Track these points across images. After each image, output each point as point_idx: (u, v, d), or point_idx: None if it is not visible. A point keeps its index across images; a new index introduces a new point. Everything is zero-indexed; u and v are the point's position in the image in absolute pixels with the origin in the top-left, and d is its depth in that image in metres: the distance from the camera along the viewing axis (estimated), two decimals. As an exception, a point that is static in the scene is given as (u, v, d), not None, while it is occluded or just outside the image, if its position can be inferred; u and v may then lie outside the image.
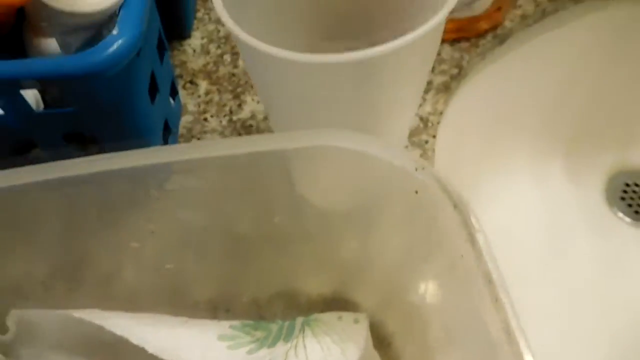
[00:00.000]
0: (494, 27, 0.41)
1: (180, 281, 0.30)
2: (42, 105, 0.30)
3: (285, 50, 0.22)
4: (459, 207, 0.20)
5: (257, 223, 0.27)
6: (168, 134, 0.36)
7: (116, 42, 0.25)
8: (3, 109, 0.28)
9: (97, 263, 0.28)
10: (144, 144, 0.32)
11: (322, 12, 0.32)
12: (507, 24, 0.42)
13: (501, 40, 0.42)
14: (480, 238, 0.19)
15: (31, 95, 0.30)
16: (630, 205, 0.52)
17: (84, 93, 0.26)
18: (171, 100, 0.38)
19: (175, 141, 0.38)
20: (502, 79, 0.46)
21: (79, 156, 0.31)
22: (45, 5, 0.24)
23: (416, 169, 0.21)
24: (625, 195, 0.53)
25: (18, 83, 0.25)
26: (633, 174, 0.54)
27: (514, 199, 0.52)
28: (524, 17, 0.42)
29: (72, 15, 0.24)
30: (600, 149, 0.53)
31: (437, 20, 0.22)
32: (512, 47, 0.44)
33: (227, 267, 0.30)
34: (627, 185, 0.53)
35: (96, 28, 0.25)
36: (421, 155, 0.36)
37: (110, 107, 0.28)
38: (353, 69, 0.22)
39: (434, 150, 0.36)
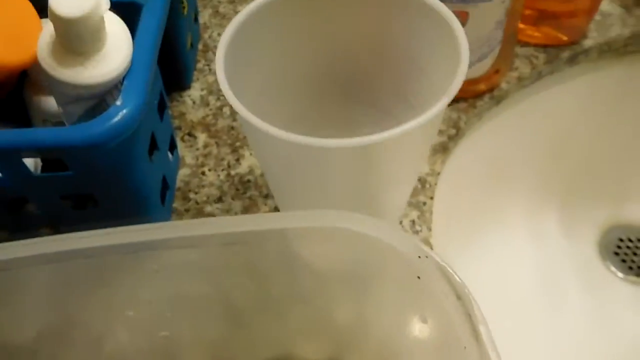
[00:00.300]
0: (491, 89, 0.41)
1: (175, 347, 0.29)
2: (40, 167, 0.30)
3: (287, 133, 0.22)
4: (463, 298, 0.20)
5: (255, 294, 0.27)
6: (165, 190, 0.36)
7: (120, 112, 0.25)
8: (1, 172, 0.27)
9: (89, 329, 0.28)
10: (142, 203, 0.32)
11: (324, 75, 0.32)
12: (504, 85, 0.42)
13: (498, 100, 0.43)
14: (483, 331, 0.19)
15: (30, 160, 0.30)
16: (624, 261, 0.53)
17: (85, 160, 0.26)
18: (169, 155, 0.38)
19: (172, 197, 0.38)
20: (498, 137, 0.46)
21: (75, 215, 0.31)
22: (49, 75, 0.24)
23: (419, 257, 0.21)
24: (619, 250, 0.53)
25: (20, 153, 0.24)
26: (627, 228, 0.54)
27: (509, 252, 0.52)
28: (520, 78, 0.43)
29: (75, 87, 0.24)
30: (595, 204, 0.53)
31: (439, 107, 0.23)
32: (508, 106, 0.45)
33: (222, 332, 0.30)
34: (621, 240, 0.54)
35: (99, 97, 0.25)
36: (419, 217, 0.36)
37: (110, 171, 0.28)
38: (354, 152, 0.23)
39: (431, 212, 0.36)
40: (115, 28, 0.25)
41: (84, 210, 0.32)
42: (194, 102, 0.44)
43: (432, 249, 0.35)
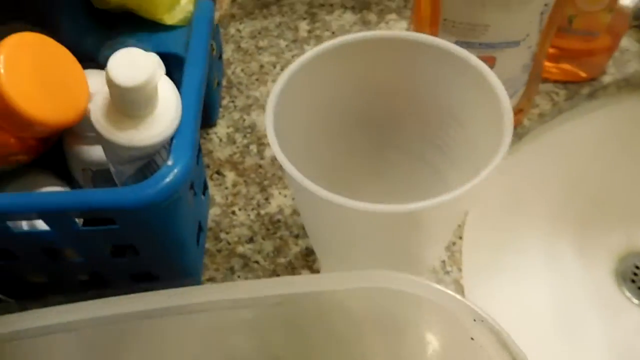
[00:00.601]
0: (514, 127, 0.42)
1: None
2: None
3: (338, 196, 0.23)
4: (519, 363, 0.20)
5: (297, 349, 0.27)
6: (199, 233, 0.37)
7: (172, 172, 0.25)
8: (50, 227, 0.28)
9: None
10: (180, 249, 0.33)
11: (360, 121, 0.33)
12: (526, 122, 0.43)
13: (519, 136, 0.44)
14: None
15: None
16: (640, 288, 0.53)
17: (134, 217, 0.27)
18: (202, 197, 0.38)
19: (204, 238, 0.38)
20: (518, 169, 0.47)
21: (113, 261, 0.31)
22: (104, 138, 0.25)
23: (474, 320, 0.21)
24: (635, 277, 0.54)
25: (73, 214, 0.25)
26: (643, 256, 0.55)
27: (528, 279, 0.53)
28: (541, 115, 0.44)
29: (129, 149, 0.25)
30: (611, 232, 0.54)
31: (488, 171, 0.23)
32: (528, 140, 0.46)
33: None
34: (637, 267, 0.54)
35: (150, 156, 0.26)
36: (449, 258, 0.37)
37: (155, 225, 0.28)
38: (402, 216, 0.23)
39: (461, 252, 0.37)
40: (165, 88, 0.26)
41: (123, 257, 0.32)
42: (220, 140, 0.44)
43: (463, 291, 0.36)
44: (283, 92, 0.27)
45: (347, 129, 0.33)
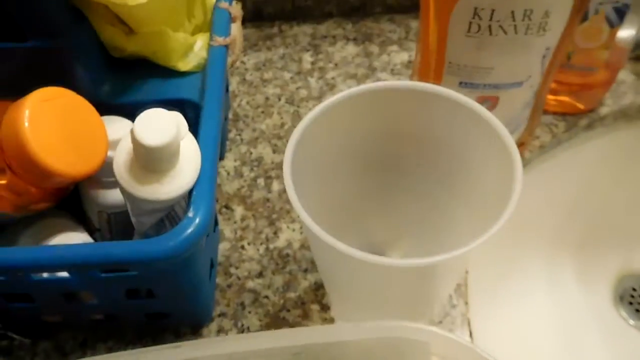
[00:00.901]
0: (515, 159, 0.43)
1: None
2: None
3: (357, 251, 0.23)
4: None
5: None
6: (212, 269, 0.37)
7: (192, 224, 0.26)
8: (70, 274, 0.28)
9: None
10: (194, 288, 0.34)
11: (373, 163, 0.34)
12: (527, 154, 0.44)
13: (521, 167, 0.45)
14: None
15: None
16: (638, 311, 0.55)
17: (153, 266, 0.27)
18: (213, 232, 0.39)
19: (215, 273, 0.39)
20: (519, 197, 0.48)
21: (129, 302, 0.32)
22: (127, 192, 0.25)
23: (489, 372, 0.22)
24: (632, 299, 0.55)
25: (96, 267, 0.26)
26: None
27: (529, 303, 0.54)
28: (542, 147, 0.45)
29: (152, 202, 0.26)
30: (609, 255, 0.55)
31: (501, 222, 0.24)
32: (527, 170, 0.47)
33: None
34: (634, 289, 0.56)
35: (171, 208, 0.27)
36: (455, 291, 0.38)
37: (173, 271, 0.29)
38: (419, 269, 0.24)
39: (467, 285, 0.38)
40: (187, 143, 0.27)
41: (139, 299, 0.33)
42: (228, 174, 0.45)
43: (469, 325, 0.37)
44: (298, 144, 0.28)
45: (358, 172, 0.33)
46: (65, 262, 0.25)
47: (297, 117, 0.48)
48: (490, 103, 0.38)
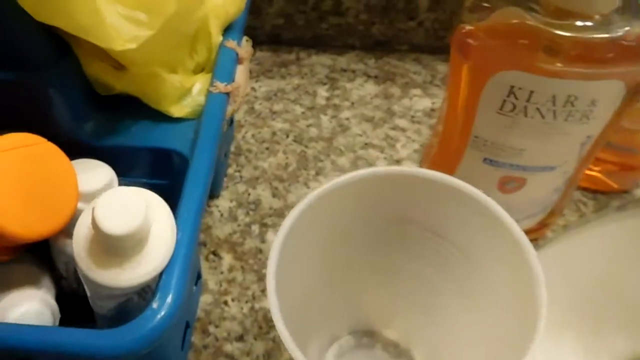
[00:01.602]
0: (535, 239, 0.39)
1: None
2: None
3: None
4: None
5: None
6: (186, 331, 0.34)
7: (156, 317, 0.22)
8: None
9: None
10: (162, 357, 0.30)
11: (370, 249, 0.30)
12: (549, 234, 0.40)
13: (539, 247, 0.41)
14: None
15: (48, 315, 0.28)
16: (647, 401, 0.51)
17: None
18: (194, 288, 0.35)
19: (190, 334, 0.35)
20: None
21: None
22: (84, 274, 0.22)
23: None
24: (641, 387, 0.51)
25: (43, 356, 0.22)
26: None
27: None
28: (566, 226, 0.41)
29: (110, 289, 0.22)
30: (621, 340, 0.51)
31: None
32: (544, 248, 0.43)
33: None
34: (644, 377, 0.52)
35: (133, 294, 0.23)
36: None
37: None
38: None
39: None
40: (160, 220, 0.23)
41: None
42: (221, 215, 0.42)
43: None
44: (283, 252, 0.25)
45: (351, 253, 0.30)
46: (6, 345, 0.22)
47: (303, 159, 0.44)
48: (516, 184, 0.34)
